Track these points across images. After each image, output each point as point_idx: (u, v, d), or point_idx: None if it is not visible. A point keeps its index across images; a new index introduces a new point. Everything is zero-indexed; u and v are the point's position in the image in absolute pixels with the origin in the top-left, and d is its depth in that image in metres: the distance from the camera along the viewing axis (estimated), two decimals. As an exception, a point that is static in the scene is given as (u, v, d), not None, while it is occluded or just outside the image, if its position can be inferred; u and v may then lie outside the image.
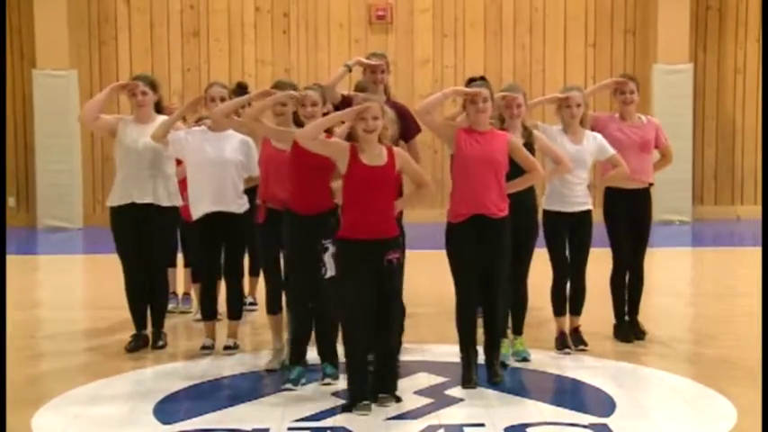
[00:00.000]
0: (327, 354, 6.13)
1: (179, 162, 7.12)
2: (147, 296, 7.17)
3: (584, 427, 5.28)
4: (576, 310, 7.00)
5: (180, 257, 8.51)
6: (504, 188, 6.04)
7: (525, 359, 6.59)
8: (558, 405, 5.72)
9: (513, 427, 5.27)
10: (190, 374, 6.46)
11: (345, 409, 5.50)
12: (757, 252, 11.14)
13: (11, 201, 16.18)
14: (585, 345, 6.91)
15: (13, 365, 6.44)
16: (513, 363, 6.53)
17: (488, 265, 6.02)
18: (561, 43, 16.19)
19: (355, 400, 5.51)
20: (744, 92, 16.36)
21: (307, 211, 5.99)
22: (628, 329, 7.25)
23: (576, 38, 16.19)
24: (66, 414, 5.64)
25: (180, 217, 7.27)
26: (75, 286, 10.99)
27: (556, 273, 6.89)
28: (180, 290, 8.72)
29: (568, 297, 6.97)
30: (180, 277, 8.72)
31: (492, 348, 6.15)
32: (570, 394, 6.03)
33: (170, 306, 8.64)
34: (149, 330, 7.19)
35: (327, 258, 5.89)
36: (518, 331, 6.69)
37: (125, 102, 7.35)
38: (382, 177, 5.57)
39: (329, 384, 5.97)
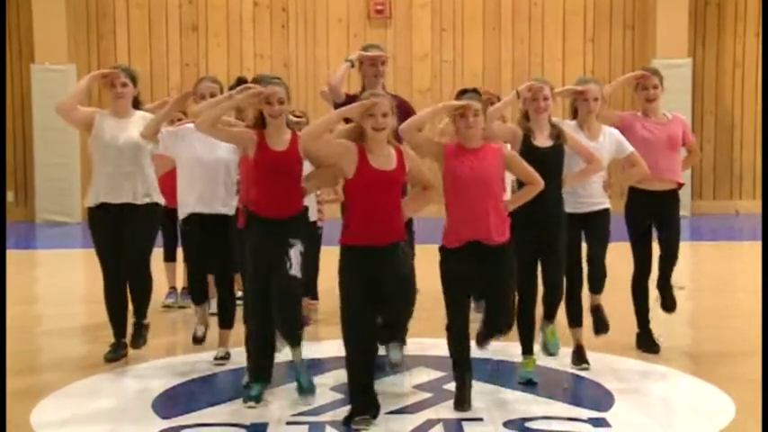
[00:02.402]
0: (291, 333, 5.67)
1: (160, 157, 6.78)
2: (126, 303, 6.74)
3: (583, 421, 5.28)
4: (597, 288, 6.50)
5: (179, 253, 8.48)
6: (504, 207, 5.57)
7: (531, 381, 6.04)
8: (557, 400, 5.72)
9: (511, 421, 5.27)
10: (188, 369, 6.45)
11: (345, 421, 5.20)
12: (756, 246, 11.15)
13: (9, 195, 16.16)
14: (607, 329, 6.56)
15: (12, 360, 6.43)
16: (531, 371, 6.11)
17: (490, 295, 5.60)
18: (560, 38, 16.18)
19: (354, 414, 5.21)
20: (743, 86, 16.36)
21: (274, 215, 5.56)
22: (651, 339, 6.87)
23: (574, 32, 16.18)
24: (64, 408, 5.64)
25: (161, 214, 6.91)
26: (73, 281, 10.98)
27: (569, 280, 6.30)
28: (179, 285, 8.71)
29: (588, 277, 6.45)
30: (179, 272, 8.70)
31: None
32: (569, 389, 6.01)
33: (169, 301, 8.66)
34: (130, 330, 6.75)
35: (294, 253, 5.53)
36: (528, 351, 6.12)
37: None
38: (391, 182, 5.20)
39: (309, 405, 5.58)
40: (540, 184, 5.68)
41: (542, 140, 5.99)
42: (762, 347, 6.24)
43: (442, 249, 5.55)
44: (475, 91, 5.74)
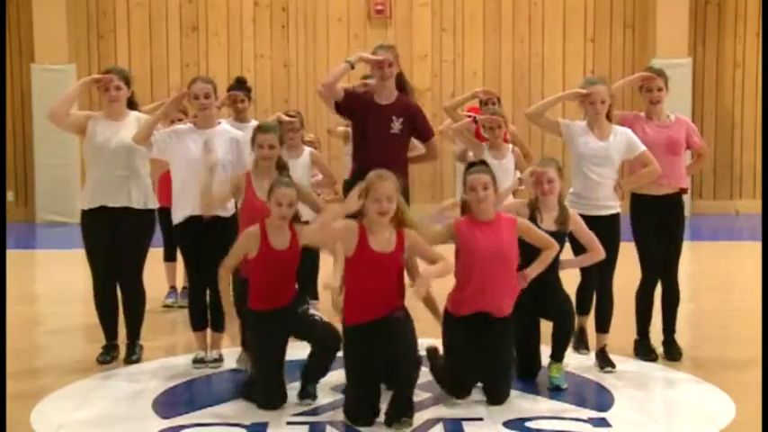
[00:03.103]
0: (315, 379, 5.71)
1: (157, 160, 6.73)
2: (117, 304, 6.72)
3: (583, 421, 5.28)
4: (604, 327, 6.40)
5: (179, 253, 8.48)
6: (517, 281, 5.60)
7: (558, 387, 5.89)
8: (557, 399, 5.72)
9: (511, 421, 5.27)
10: (188, 369, 6.45)
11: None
12: (756, 246, 11.14)
13: (10, 195, 16.16)
14: (613, 366, 6.27)
15: (12, 359, 6.45)
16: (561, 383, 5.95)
17: (488, 367, 5.59)
18: (560, 38, 16.17)
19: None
20: (743, 86, 16.35)
21: (270, 307, 5.58)
22: (649, 347, 6.66)
23: (574, 32, 16.17)
24: (65, 408, 5.65)
25: (156, 218, 6.88)
26: (73, 281, 10.97)
27: (583, 274, 6.32)
28: (179, 284, 8.71)
29: (595, 311, 6.44)
30: (179, 272, 8.70)
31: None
32: (569, 388, 6.01)
33: (169, 301, 8.66)
34: (123, 342, 6.76)
35: (313, 310, 5.69)
36: (558, 358, 5.94)
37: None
38: (388, 264, 5.21)
39: (309, 405, 5.57)
40: (555, 247, 5.70)
41: (549, 223, 5.89)
42: (762, 347, 6.24)
43: (446, 314, 5.67)
44: (483, 163, 5.81)
